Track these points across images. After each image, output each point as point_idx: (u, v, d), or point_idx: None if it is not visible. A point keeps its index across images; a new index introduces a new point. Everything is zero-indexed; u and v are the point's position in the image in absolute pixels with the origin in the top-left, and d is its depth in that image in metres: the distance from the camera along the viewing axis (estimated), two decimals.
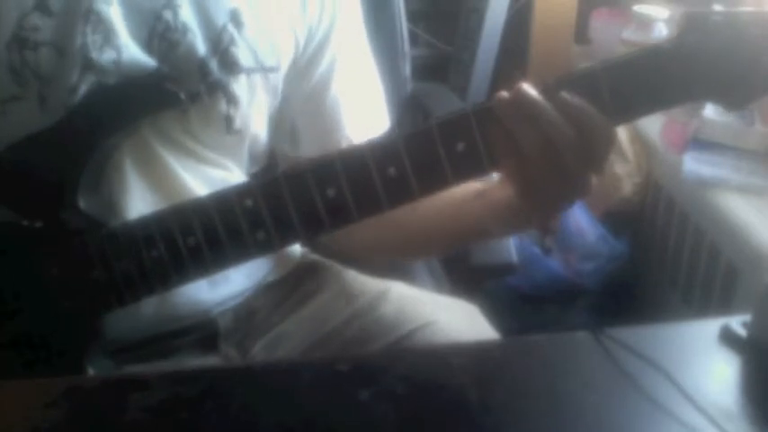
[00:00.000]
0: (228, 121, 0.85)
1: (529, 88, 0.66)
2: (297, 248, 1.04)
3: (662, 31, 1.86)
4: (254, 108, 0.87)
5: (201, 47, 0.82)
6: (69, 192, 0.78)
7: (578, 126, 0.65)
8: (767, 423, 0.65)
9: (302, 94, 0.92)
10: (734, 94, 0.68)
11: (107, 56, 0.79)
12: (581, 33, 2.23)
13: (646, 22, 1.88)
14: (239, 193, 0.72)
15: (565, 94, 0.66)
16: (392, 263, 1.09)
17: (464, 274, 1.14)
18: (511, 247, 1.12)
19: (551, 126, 0.65)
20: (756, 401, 0.67)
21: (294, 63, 0.90)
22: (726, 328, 0.73)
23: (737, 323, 0.73)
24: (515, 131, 0.66)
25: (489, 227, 0.79)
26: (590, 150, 0.66)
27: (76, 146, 0.78)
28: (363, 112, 0.94)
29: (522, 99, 0.66)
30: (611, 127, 0.67)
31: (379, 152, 0.69)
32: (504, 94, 0.67)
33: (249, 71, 0.84)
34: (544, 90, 0.66)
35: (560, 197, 0.69)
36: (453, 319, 0.93)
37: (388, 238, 0.91)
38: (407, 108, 1.44)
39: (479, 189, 0.78)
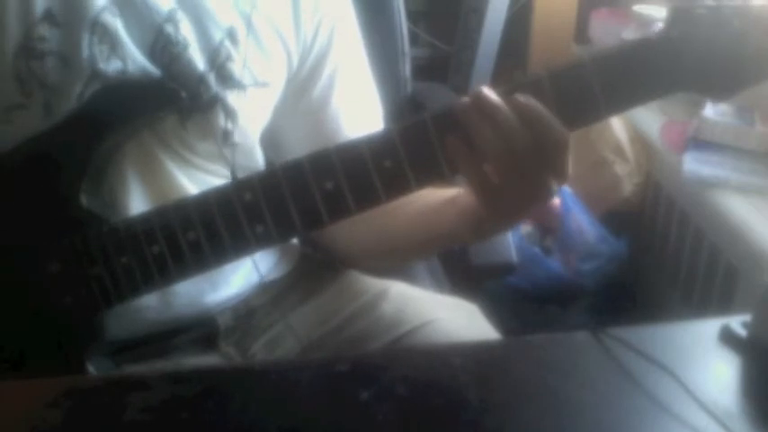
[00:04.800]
0: (226, 134, 0.85)
1: (489, 92, 0.68)
2: (297, 248, 1.04)
3: None
4: (250, 122, 0.88)
5: (200, 61, 0.83)
6: (72, 189, 0.78)
7: (533, 129, 0.67)
8: (767, 423, 0.65)
9: (303, 109, 0.93)
10: (719, 85, 0.69)
11: (114, 66, 0.80)
12: (581, 33, 2.23)
13: (646, 22, 1.88)
14: (238, 186, 0.73)
15: (521, 98, 0.67)
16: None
17: (464, 274, 1.14)
18: (511, 247, 1.12)
19: (510, 129, 0.66)
20: (756, 401, 0.67)
21: (291, 80, 0.91)
22: (726, 328, 0.73)
23: (737, 323, 0.73)
24: (476, 135, 0.67)
25: (461, 233, 0.80)
26: (546, 154, 0.67)
27: (80, 144, 0.78)
28: (363, 123, 0.94)
29: (483, 102, 0.67)
30: (564, 132, 0.68)
31: (375, 145, 0.70)
32: (465, 98, 0.68)
33: (245, 86, 0.85)
34: (503, 93, 0.68)
35: (521, 203, 0.70)
36: (453, 319, 0.93)
37: (370, 244, 0.94)
38: (407, 108, 1.44)
39: (451, 195, 0.80)
